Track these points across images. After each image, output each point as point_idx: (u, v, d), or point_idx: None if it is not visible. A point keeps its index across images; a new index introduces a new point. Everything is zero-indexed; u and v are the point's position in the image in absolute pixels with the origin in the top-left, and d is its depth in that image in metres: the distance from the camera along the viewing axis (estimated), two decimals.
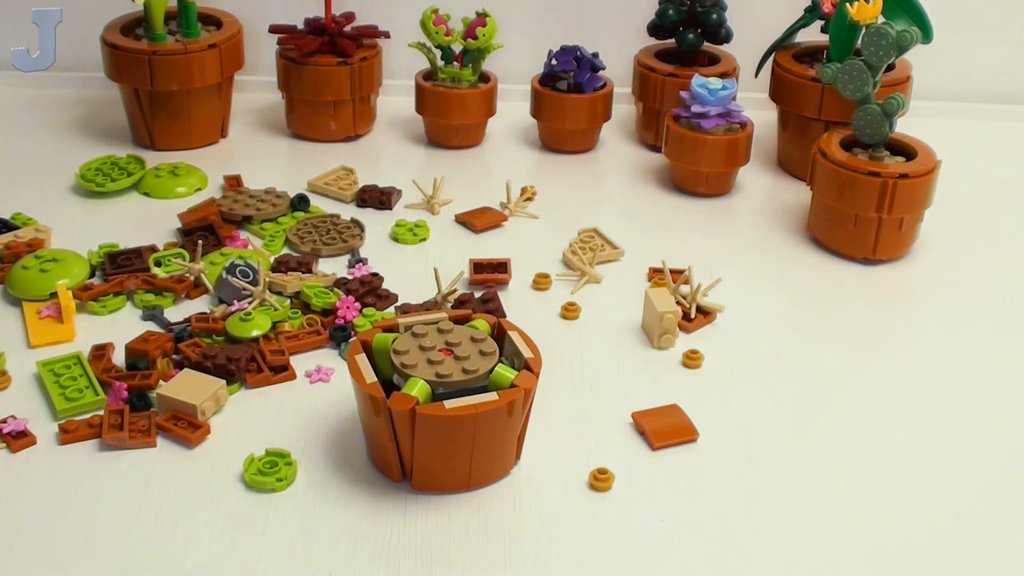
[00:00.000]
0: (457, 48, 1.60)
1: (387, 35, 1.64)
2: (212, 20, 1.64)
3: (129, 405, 1.09)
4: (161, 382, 1.12)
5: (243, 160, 1.60)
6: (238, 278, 1.24)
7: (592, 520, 1.00)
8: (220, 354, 1.14)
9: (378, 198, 1.48)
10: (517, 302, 1.30)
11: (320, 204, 1.48)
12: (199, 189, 1.51)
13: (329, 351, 1.20)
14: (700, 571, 0.96)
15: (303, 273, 1.31)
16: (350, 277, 1.30)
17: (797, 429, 1.12)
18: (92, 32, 1.60)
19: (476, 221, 1.44)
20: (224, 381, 1.11)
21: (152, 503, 1.00)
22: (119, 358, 1.17)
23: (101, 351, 1.17)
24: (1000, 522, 1.02)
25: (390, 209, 1.48)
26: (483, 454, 1.01)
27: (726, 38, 1.63)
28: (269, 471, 1.02)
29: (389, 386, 1.02)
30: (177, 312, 1.25)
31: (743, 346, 1.24)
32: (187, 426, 1.07)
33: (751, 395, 1.16)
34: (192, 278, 1.29)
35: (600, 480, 1.03)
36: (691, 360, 1.20)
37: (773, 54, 1.62)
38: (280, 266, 1.32)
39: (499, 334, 1.07)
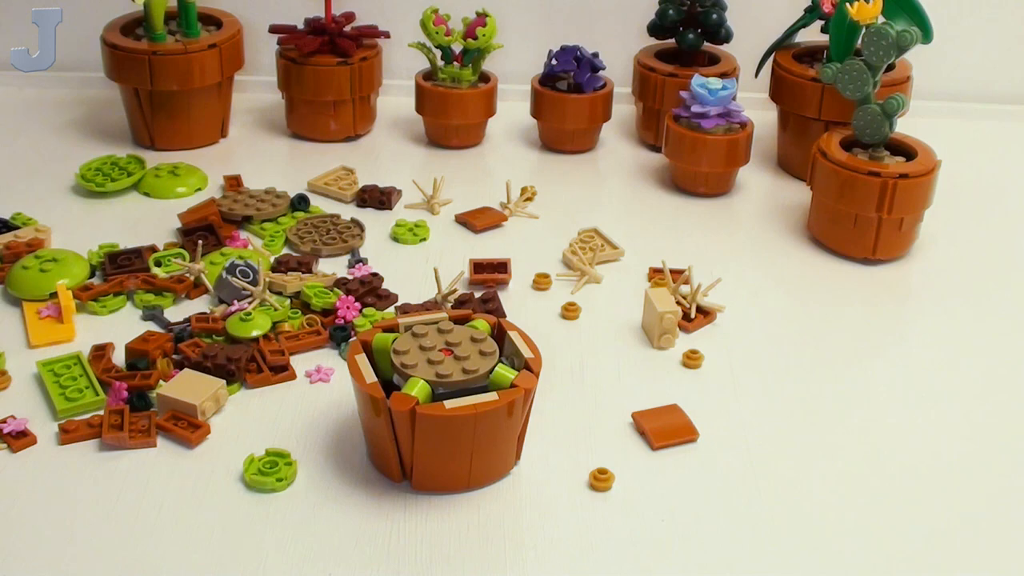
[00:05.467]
0: (457, 48, 1.60)
1: (387, 35, 1.64)
2: (212, 20, 1.64)
3: (129, 405, 1.09)
4: (161, 382, 1.12)
5: (243, 160, 1.60)
6: (238, 278, 1.24)
7: (592, 520, 1.00)
8: (220, 354, 1.14)
9: (378, 198, 1.48)
10: (517, 302, 1.30)
11: (320, 204, 1.48)
12: (199, 189, 1.51)
13: (329, 351, 1.20)
14: (700, 571, 0.96)
15: (303, 273, 1.31)
16: (350, 277, 1.30)
17: (797, 429, 1.12)
18: (92, 32, 1.60)
19: (476, 221, 1.44)
20: (224, 381, 1.11)
21: (152, 503, 1.00)
22: (119, 358, 1.17)
23: (101, 351, 1.17)
24: (1001, 522, 1.02)
25: (390, 209, 1.48)
26: (483, 454, 1.01)
27: (726, 38, 1.63)
28: (269, 471, 1.02)
29: (389, 386, 1.02)
30: (177, 312, 1.25)
31: (743, 346, 1.24)
32: (187, 426, 1.07)
33: (751, 395, 1.16)
34: (192, 278, 1.29)
35: (600, 480, 1.03)
36: (691, 360, 1.20)
37: (773, 54, 1.62)
38: (280, 266, 1.32)
39: (499, 334, 1.07)
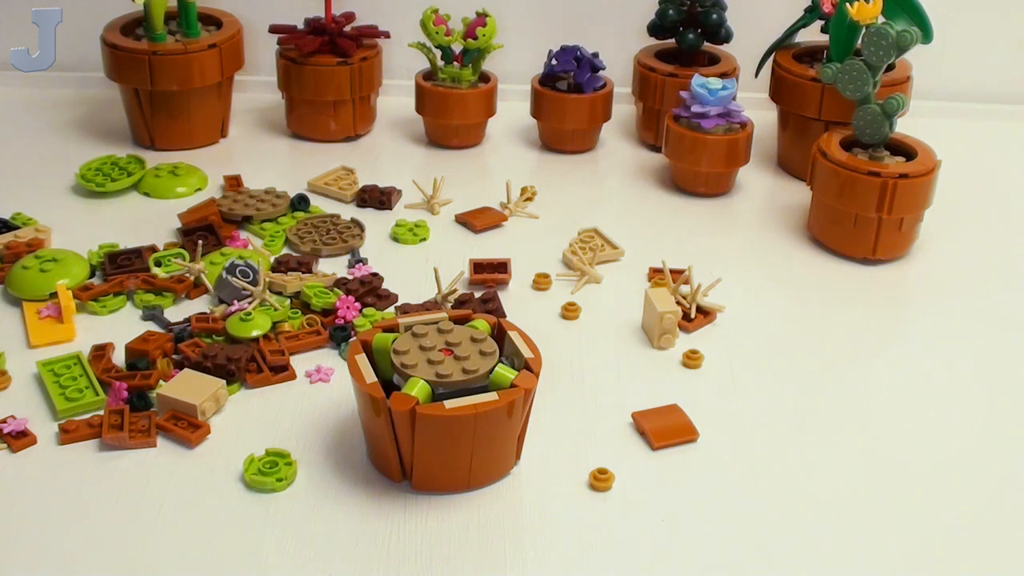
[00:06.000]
0: (457, 48, 1.60)
1: (387, 35, 1.64)
2: (212, 20, 1.64)
3: (129, 405, 1.09)
4: (161, 382, 1.12)
5: (243, 160, 1.60)
6: (238, 278, 1.24)
7: (592, 520, 1.00)
8: (220, 354, 1.14)
9: (378, 198, 1.48)
10: (517, 302, 1.30)
11: (320, 204, 1.48)
12: (199, 189, 1.51)
13: (329, 351, 1.20)
14: (700, 571, 0.96)
15: (303, 273, 1.31)
16: (350, 277, 1.30)
17: (797, 429, 1.12)
18: (92, 32, 1.60)
19: (476, 221, 1.44)
20: (224, 381, 1.11)
21: (152, 503, 1.00)
22: (119, 358, 1.17)
23: (101, 351, 1.17)
24: (1001, 522, 1.02)
25: (390, 209, 1.48)
26: (483, 454, 1.01)
27: (726, 38, 1.63)
28: (269, 471, 1.02)
29: (389, 386, 1.02)
30: (177, 312, 1.25)
31: (743, 346, 1.24)
32: (187, 426, 1.07)
33: (751, 395, 1.16)
34: (192, 278, 1.29)
35: (600, 480, 1.03)
36: (691, 360, 1.20)
37: (773, 54, 1.62)
38: (280, 266, 1.32)
39: (499, 334, 1.07)
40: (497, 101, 1.64)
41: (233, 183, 1.50)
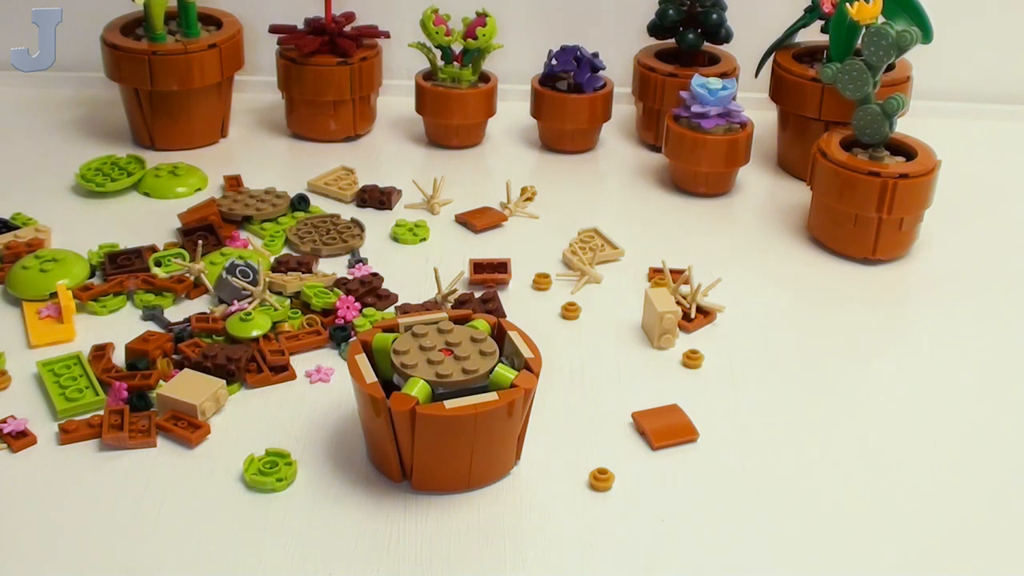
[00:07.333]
0: (457, 48, 1.60)
1: (387, 35, 1.64)
2: (212, 20, 1.64)
3: (129, 405, 1.09)
4: (161, 382, 1.12)
5: (243, 160, 1.60)
6: (238, 278, 1.24)
7: (592, 520, 1.00)
8: (220, 354, 1.14)
9: (378, 198, 1.48)
10: (517, 302, 1.30)
11: (320, 204, 1.48)
12: (199, 189, 1.51)
13: (329, 351, 1.20)
14: (700, 571, 0.96)
15: (303, 273, 1.31)
16: (350, 277, 1.30)
17: (797, 429, 1.12)
18: (92, 32, 1.60)
19: (476, 221, 1.44)
20: (224, 381, 1.11)
21: (152, 503, 1.00)
22: (119, 358, 1.17)
23: (101, 351, 1.17)
24: (1001, 522, 1.02)
25: (390, 209, 1.48)
26: (483, 454, 1.01)
27: (726, 38, 1.63)
28: (269, 471, 1.02)
29: (389, 386, 1.02)
30: (177, 312, 1.25)
31: (743, 346, 1.24)
32: (187, 426, 1.07)
33: (751, 395, 1.16)
34: (192, 278, 1.29)
35: (600, 480, 1.03)
36: (691, 360, 1.20)
37: (773, 54, 1.62)
38: (280, 266, 1.32)
39: (499, 334, 1.07)
40: (497, 101, 1.64)
41: (233, 183, 1.50)
